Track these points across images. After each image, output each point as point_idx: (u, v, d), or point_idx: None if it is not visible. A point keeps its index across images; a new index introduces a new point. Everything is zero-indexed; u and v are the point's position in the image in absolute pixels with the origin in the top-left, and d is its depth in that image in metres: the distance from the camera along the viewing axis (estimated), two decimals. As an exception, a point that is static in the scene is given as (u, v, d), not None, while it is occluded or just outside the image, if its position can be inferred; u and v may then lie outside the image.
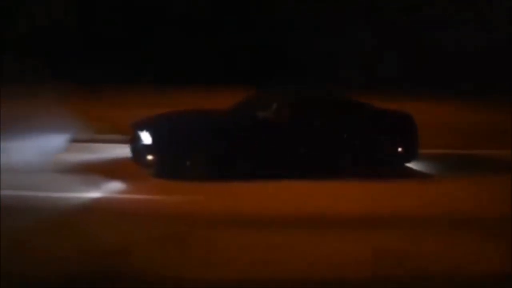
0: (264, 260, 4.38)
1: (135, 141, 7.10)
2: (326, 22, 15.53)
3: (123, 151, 7.71)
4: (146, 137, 6.83)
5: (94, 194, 6.14)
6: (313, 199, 6.20)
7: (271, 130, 7.13)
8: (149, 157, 6.74)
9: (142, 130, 6.97)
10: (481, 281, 4.19)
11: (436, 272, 4.29)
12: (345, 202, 6.12)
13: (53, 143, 8.53)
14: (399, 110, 8.01)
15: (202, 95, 11.25)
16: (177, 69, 15.06)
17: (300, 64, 15.30)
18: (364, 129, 7.47)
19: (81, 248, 4.52)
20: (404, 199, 6.27)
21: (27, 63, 14.56)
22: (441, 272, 4.29)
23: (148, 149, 6.78)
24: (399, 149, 7.52)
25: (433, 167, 8.11)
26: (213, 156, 6.82)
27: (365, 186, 6.78)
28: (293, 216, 5.55)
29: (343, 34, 15.16)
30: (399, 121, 7.79)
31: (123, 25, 16.11)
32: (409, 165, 7.94)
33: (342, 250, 4.66)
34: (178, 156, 6.78)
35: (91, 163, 7.66)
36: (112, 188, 6.42)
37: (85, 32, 15.92)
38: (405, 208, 5.91)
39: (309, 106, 7.46)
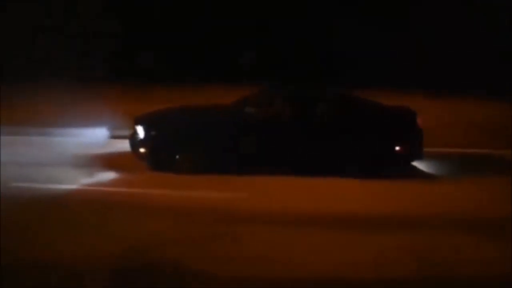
0: (301, 260, 4.42)
1: (133, 135, 7.36)
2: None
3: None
4: (140, 131, 7.18)
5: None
6: (349, 198, 6.26)
7: (261, 127, 7.18)
8: (141, 150, 7.14)
9: (138, 124, 7.27)
10: (481, 282, 4.19)
11: (437, 272, 4.31)
12: (387, 201, 6.16)
13: (93, 138, 8.99)
14: (402, 107, 7.81)
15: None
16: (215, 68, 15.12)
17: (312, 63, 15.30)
18: (358, 126, 7.33)
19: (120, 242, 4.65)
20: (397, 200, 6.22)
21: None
22: (442, 273, 4.31)
23: (140, 142, 7.14)
24: (397, 148, 7.27)
25: (444, 167, 7.92)
26: (202, 151, 7.02)
27: (363, 185, 6.74)
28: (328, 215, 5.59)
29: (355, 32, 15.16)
30: (399, 119, 7.58)
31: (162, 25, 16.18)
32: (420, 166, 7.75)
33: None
34: (167, 150, 7.05)
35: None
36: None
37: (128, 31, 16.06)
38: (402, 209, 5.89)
39: (305, 103, 7.39)
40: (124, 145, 7.76)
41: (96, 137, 9.03)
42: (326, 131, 7.28)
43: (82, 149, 8.33)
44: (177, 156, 6.98)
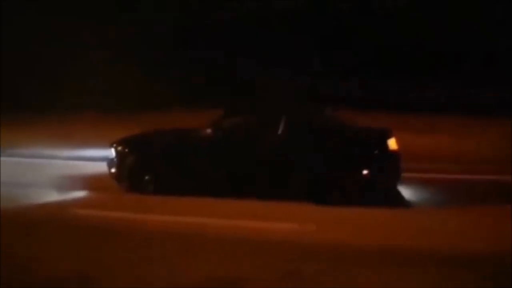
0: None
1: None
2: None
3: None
4: (113, 153, 7.39)
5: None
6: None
7: (224, 150, 6.98)
8: (112, 170, 7.33)
9: (112, 147, 7.44)
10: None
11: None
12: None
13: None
14: (375, 128, 7.06)
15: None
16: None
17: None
18: (322, 150, 6.67)
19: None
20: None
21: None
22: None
23: (112, 163, 7.34)
24: (364, 172, 6.51)
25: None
26: (167, 172, 7.04)
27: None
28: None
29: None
30: (368, 141, 6.80)
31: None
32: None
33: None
34: (133, 171, 7.12)
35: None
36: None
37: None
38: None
39: (264, 123, 7.01)
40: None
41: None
42: (288, 157, 6.73)
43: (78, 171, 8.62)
44: (146, 177, 7.07)
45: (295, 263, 4.43)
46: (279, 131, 6.81)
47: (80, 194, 7.21)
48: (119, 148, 7.32)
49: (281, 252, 4.75)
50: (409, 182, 7.30)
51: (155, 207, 6.39)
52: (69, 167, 9.41)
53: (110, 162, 7.39)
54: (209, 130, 7.00)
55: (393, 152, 6.69)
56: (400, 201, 6.74)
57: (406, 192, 7.11)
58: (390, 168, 6.64)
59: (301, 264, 4.40)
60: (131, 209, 6.28)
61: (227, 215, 6.00)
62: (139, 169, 7.10)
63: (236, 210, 6.24)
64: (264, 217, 5.91)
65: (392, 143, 6.71)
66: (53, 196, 7.02)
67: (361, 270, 4.27)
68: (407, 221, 5.87)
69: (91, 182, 7.84)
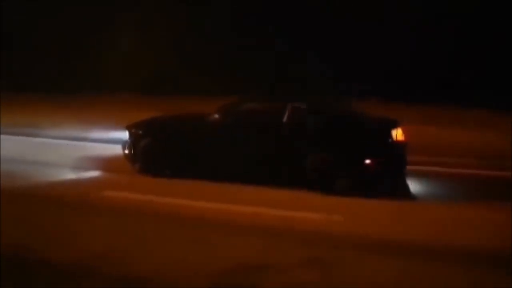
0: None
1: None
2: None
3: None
4: (127, 135, 7.62)
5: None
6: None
7: (233, 136, 7.07)
8: (126, 152, 7.57)
9: (127, 129, 7.66)
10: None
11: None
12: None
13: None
14: (380, 117, 7.11)
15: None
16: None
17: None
18: (325, 138, 6.71)
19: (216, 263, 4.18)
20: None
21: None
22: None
23: (125, 145, 7.59)
24: (367, 161, 6.42)
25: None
26: (178, 157, 7.21)
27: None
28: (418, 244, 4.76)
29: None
30: (373, 129, 6.73)
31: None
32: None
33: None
34: (145, 154, 7.32)
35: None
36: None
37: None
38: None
39: (272, 112, 7.02)
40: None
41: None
42: (293, 145, 6.78)
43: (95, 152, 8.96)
44: (159, 160, 7.27)
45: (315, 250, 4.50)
46: (284, 119, 6.85)
47: (94, 174, 7.43)
48: (133, 130, 7.54)
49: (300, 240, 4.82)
50: (425, 175, 7.34)
51: (168, 190, 6.49)
52: (87, 148, 9.68)
53: (124, 144, 7.61)
54: (220, 116, 7.14)
55: (399, 142, 6.63)
56: (406, 193, 6.67)
57: (421, 185, 7.09)
58: (395, 158, 6.59)
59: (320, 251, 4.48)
60: (142, 191, 6.35)
61: (233, 200, 6.04)
62: (152, 152, 7.28)
63: (246, 197, 6.29)
64: (272, 204, 5.91)
65: (398, 133, 6.64)
66: (69, 175, 7.24)
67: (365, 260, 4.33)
68: (410, 214, 5.83)
69: (106, 163, 8.04)
